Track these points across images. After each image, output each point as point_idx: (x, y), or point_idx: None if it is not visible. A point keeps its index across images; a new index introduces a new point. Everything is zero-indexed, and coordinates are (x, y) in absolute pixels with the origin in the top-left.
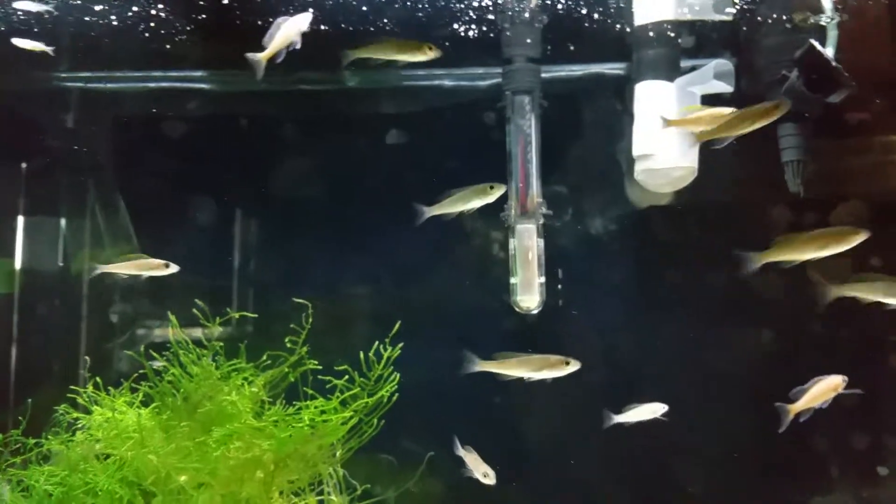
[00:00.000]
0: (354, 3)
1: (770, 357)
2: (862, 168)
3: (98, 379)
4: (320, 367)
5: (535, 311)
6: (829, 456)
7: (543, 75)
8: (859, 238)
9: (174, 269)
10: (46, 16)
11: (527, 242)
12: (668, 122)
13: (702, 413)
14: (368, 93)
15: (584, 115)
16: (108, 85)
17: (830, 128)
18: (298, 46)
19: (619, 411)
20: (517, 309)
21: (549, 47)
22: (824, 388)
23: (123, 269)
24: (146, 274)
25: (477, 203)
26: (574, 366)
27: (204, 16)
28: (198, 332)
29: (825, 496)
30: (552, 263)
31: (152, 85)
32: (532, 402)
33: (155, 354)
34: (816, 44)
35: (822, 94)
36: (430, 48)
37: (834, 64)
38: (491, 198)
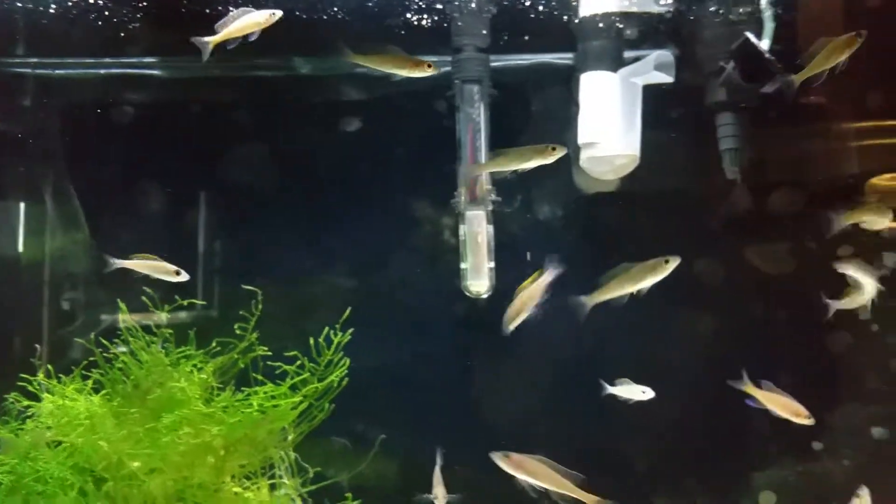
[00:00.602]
0: None
1: (713, 342)
2: (797, 155)
3: (49, 367)
4: (270, 354)
5: (484, 296)
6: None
7: (493, 64)
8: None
9: (184, 276)
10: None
11: (476, 228)
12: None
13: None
14: (321, 80)
15: (532, 103)
16: (59, 71)
17: (767, 116)
18: (253, 39)
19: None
20: (467, 293)
21: (499, 37)
22: (787, 408)
23: (138, 267)
24: (158, 276)
25: (535, 163)
26: (674, 261)
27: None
28: (160, 318)
29: (764, 471)
30: (501, 249)
31: (103, 71)
32: (491, 386)
33: (107, 343)
34: (751, 36)
35: (756, 84)
36: (429, 66)
37: (767, 55)
38: (551, 159)
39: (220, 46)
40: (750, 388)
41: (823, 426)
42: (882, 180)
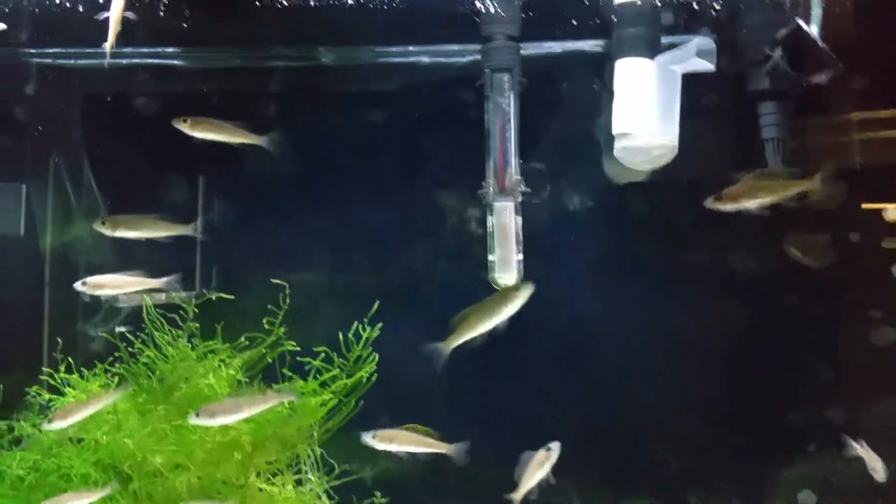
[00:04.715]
0: None
1: (746, 331)
2: (840, 144)
3: (71, 360)
4: (298, 349)
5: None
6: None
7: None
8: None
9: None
10: None
11: (505, 220)
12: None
13: (680, 388)
14: (344, 70)
15: (562, 91)
16: (77, 61)
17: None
18: None
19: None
20: (495, 286)
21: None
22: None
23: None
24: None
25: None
26: (526, 289)
27: None
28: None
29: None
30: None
31: (123, 61)
32: (512, 380)
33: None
34: (802, 23)
35: (806, 75)
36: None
37: (821, 44)
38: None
39: None
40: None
41: (862, 422)
42: None
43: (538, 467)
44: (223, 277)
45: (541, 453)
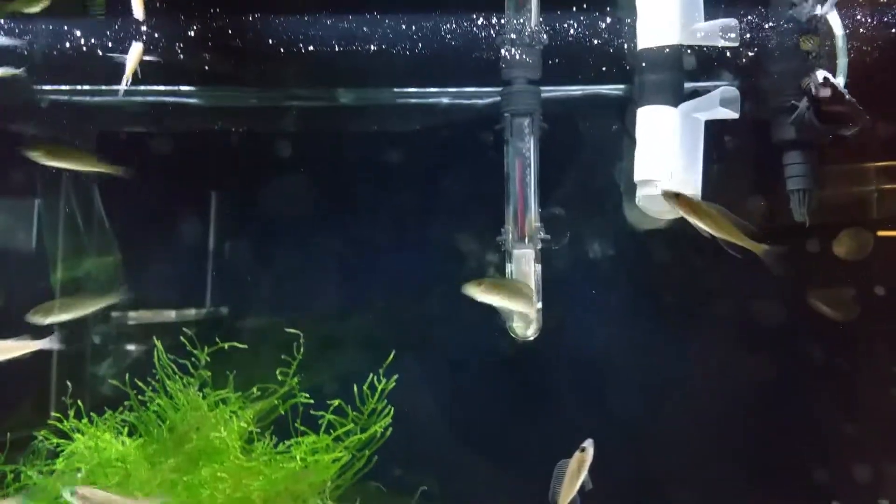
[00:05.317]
0: (347, 24)
1: (769, 383)
2: (865, 195)
3: (80, 403)
4: (312, 402)
5: (531, 338)
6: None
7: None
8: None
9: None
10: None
11: (525, 268)
12: None
13: (701, 440)
14: (362, 110)
15: (583, 136)
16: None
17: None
18: None
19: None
20: (513, 335)
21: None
22: None
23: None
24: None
25: None
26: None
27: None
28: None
29: None
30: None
31: (139, 99)
32: (531, 429)
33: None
34: (829, 75)
35: (833, 127)
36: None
37: (848, 97)
38: None
39: None
40: None
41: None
42: None
43: (576, 474)
44: (234, 318)
45: (575, 457)
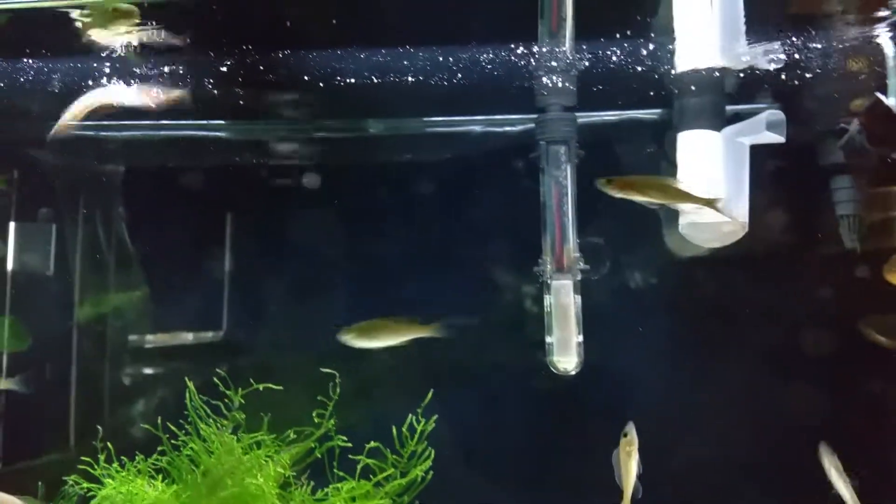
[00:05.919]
0: (378, 58)
1: (817, 413)
2: None
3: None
4: (350, 445)
5: (572, 372)
6: None
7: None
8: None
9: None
10: None
11: (564, 300)
12: None
13: (751, 469)
14: (393, 140)
15: (621, 162)
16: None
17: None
18: None
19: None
20: (553, 369)
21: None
22: None
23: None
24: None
25: None
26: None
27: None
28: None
29: None
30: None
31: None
32: (573, 466)
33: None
34: (882, 97)
35: (886, 150)
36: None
37: None
38: None
39: None
40: None
41: None
42: None
43: (627, 459)
44: (263, 353)
45: (621, 445)
